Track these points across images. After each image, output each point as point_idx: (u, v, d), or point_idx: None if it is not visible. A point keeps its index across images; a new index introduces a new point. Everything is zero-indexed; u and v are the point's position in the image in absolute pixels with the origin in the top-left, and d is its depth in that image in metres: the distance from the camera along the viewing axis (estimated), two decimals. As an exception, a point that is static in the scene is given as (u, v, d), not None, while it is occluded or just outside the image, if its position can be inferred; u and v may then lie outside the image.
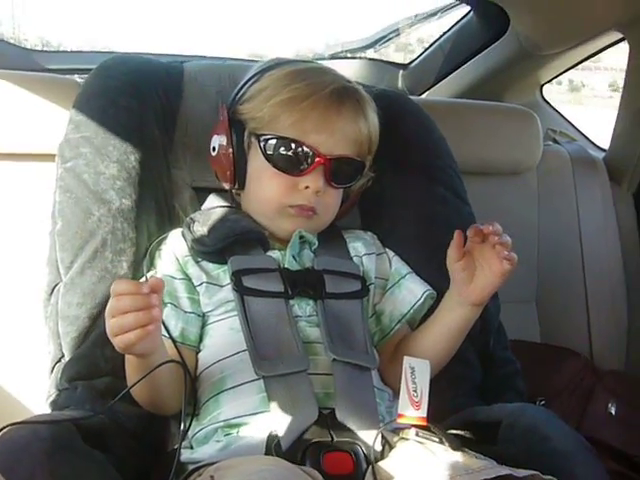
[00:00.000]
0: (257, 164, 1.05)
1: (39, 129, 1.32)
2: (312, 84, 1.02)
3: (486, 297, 0.98)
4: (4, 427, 0.76)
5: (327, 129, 1.02)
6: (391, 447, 0.86)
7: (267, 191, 1.04)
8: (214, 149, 1.09)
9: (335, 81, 1.04)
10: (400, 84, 2.02)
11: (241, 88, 1.10)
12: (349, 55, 2.12)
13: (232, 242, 1.02)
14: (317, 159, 1.01)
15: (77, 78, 1.41)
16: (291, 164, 1.02)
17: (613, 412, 1.40)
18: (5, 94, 1.32)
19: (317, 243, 1.08)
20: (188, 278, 1.01)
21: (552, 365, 1.49)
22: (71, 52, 1.90)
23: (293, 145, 1.02)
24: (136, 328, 0.78)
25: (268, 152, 1.03)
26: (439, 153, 1.27)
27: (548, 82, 1.95)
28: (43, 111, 1.31)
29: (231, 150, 1.05)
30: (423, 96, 1.96)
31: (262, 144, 1.03)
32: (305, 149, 1.01)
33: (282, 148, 1.02)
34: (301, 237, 1.06)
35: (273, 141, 1.03)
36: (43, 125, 1.31)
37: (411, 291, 1.09)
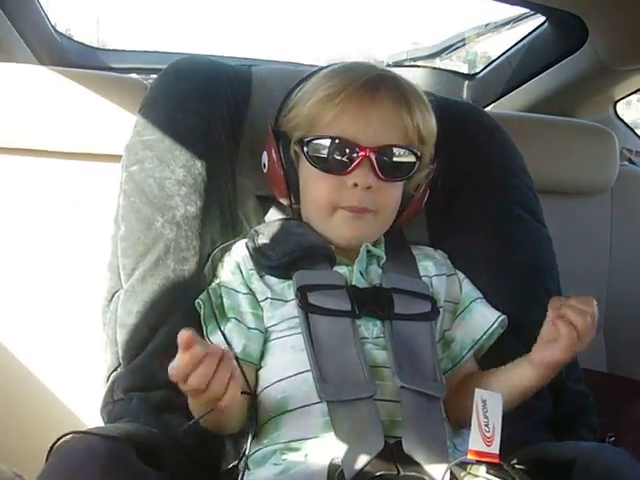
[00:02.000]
0: (306, 172, 1.01)
1: (102, 129, 1.31)
2: (346, 78, 0.98)
3: (543, 364, 0.88)
4: (62, 436, 0.73)
5: (362, 119, 0.96)
6: (459, 484, 0.81)
7: (316, 195, 1.00)
8: (264, 166, 1.06)
9: (368, 72, 0.99)
10: (465, 95, 1.96)
11: (285, 100, 1.06)
12: (412, 63, 2.07)
13: (298, 256, 0.97)
14: (361, 153, 0.96)
15: (142, 80, 1.40)
16: (335, 163, 0.97)
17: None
18: (70, 92, 1.31)
19: (385, 258, 1.03)
20: (252, 293, 0.98)
21: (622, 399, 1.40)
22: (135, 51, 1.88)
23: (332, 142, 0.97)
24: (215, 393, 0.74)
25: (310, 155, 0.99)
26: (516, 171, 1.22)
27: (622, 99, 1.86)
28: (108, 111, 1.30)
29: (280, 165, 1.02)
30: (488, 108, 1.89)
31: (305, 149, 0.99)
32: (345, 144, 0.96)
33: (323, 148, 0.97)
34: (368, 251, 1.01)
35: (313, 142, 0.98)
36: (106, 125, 1.30)
37: (484, 315, 1.04)
